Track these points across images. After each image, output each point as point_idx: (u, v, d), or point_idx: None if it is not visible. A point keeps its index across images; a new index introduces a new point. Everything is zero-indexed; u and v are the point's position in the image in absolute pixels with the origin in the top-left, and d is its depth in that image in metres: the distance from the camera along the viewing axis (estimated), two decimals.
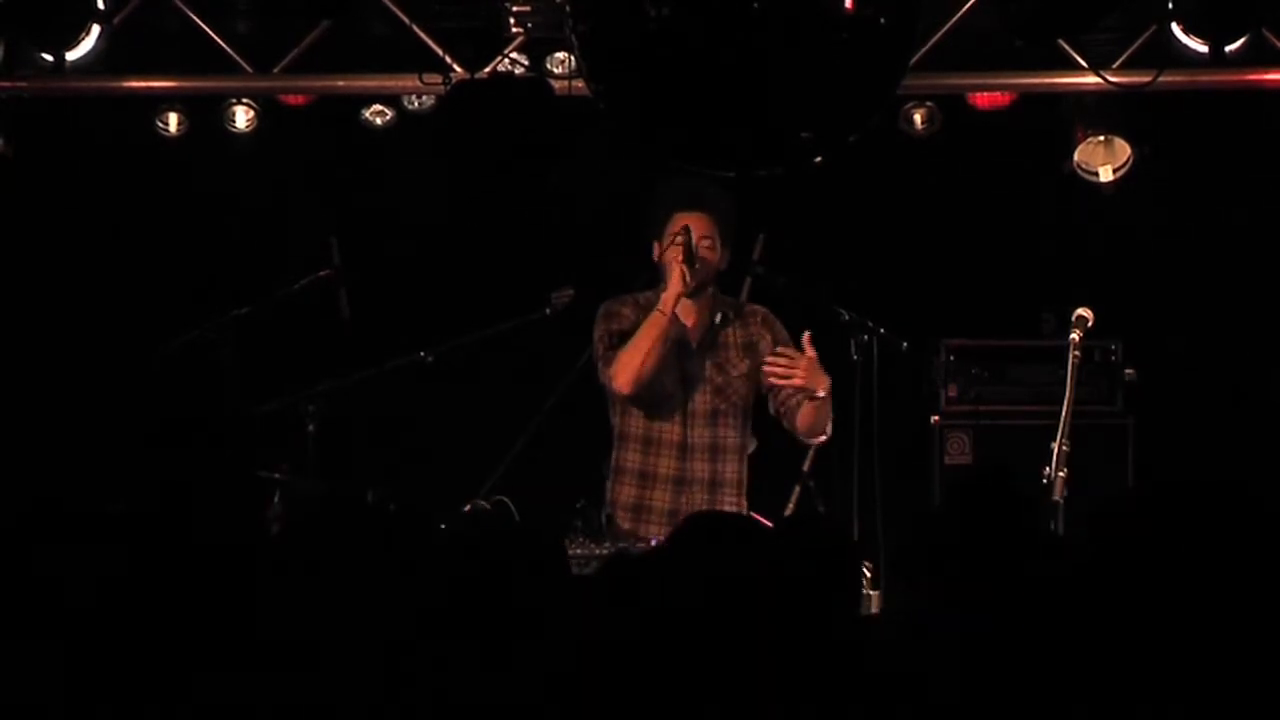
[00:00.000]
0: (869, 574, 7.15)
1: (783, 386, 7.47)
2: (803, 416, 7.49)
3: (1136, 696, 3.65)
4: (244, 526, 4.20)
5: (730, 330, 7.64)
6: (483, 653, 3.62)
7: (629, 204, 7.85)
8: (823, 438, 7.56)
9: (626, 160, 7.75)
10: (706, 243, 7.47)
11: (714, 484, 7.56)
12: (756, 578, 3.65)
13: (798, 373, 7.41)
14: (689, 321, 7.59)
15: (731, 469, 7.58)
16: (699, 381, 7.58)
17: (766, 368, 7.47)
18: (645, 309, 7.54)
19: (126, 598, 3.73)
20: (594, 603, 3.63)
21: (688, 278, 7.43)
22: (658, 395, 7.54)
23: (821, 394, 7.42)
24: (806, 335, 7.48)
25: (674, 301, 7.45)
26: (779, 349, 7.51)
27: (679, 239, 7.42)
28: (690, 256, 7.41)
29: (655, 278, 7.62)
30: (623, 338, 7.50)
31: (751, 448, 7.71)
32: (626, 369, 7.44)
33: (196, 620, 3.74)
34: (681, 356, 7.58)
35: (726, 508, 7.44)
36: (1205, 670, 3.64)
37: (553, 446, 7.79)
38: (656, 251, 7.54)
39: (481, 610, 3.69)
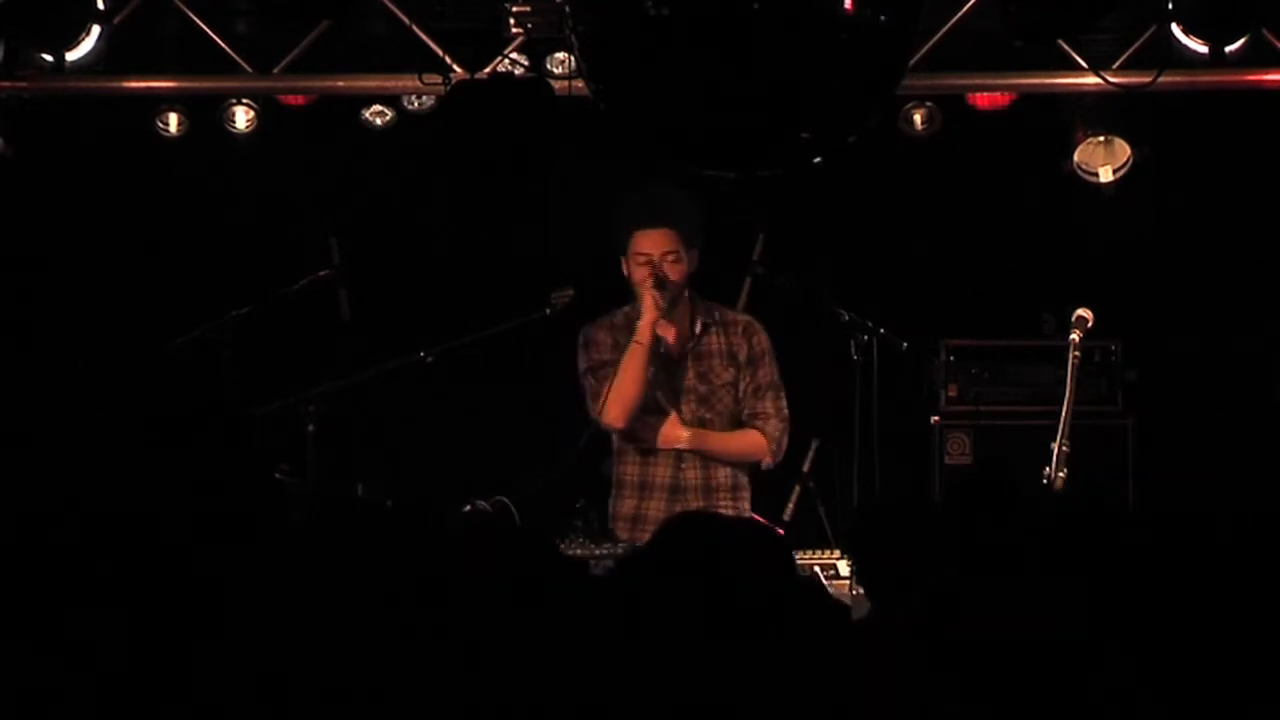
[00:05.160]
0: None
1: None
2: None
3: (1138, 695, 3.66)
4: (262, 527, 4.19)
5: (712, 338, 7.63)
6: (481, 649, 3.62)
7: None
8: (765, 460, 7.60)
9: (626, 160, 7.74)
10: (671, 257, 7.48)
11: (708, 489, 7.58)
12: (725, 576, 3.66)
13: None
14: (669, 335, 7.58)
15: (724, 474, 7.59)
16: (684, 392, 7.59)
17: None
18: (620, 329, 7.56)
19: (127, 597, 3.73)
20: (602, 602, 3.63)
21: (660, 302, 7.44)
22: (650, 407, 7.55)
23: (683, 446, 7.54)
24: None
25: (650, 329, 7.46)
26: None
27: (641, 260, 7.44)
28: (659, 282, 7.43)
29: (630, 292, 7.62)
30: (604, 366, 7.51)
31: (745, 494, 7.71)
32: (614, 405, 7.47)
33: (199, 618, 3.74)
34: (667, 368, 7.58)
35: (723, 511, 7.45)
36: (1207, 668, 3.64)
37: (552, 447, 7.79)
38: (625, 268, 7.56)
39: (485, 608, 3.70)
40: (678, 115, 6.48)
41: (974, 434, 8.83)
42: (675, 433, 7.55)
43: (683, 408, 7.58)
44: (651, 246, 7.47)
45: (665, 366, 7.57)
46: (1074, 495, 7.38)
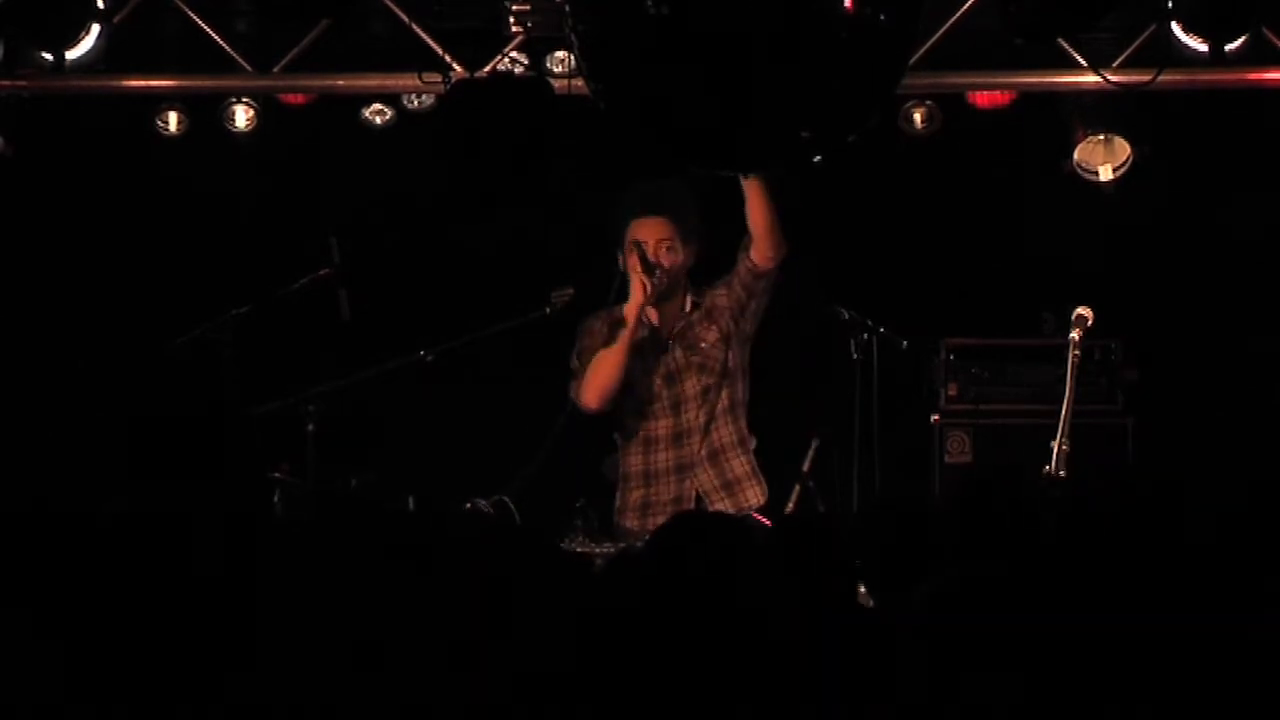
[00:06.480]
0: None
1: None
2: (750, 215, 7.40)
3: (1135, 695, 3.66)
4: (251, 525, 4.20)
5: (695, 314, 7.63)
6: (480, 649, 3.62)
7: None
8: (776, 238, 7.45)
9: (625, 161, 7.74)
10: (666, 244, 7.49)
11: (714, 454, 7.55)
12: (735, 576, 3.66)
13: None
14: (659, 322, 7.59)
15: (727, 431, 7.56)
16: (681, 370, 7.59)
17: None
18: (617, 321, 7.55)
19: (126, 597, 3.73)
20: (593, 598, 3.63)
21: (648, 288, 7.45)
22: (646, 396, 7.56)
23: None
24: None
25: (637, 313, 7.48)
26: None
27: (635, 247, 7.45)
28: (649, 267, 7.44)
29: (626, 287, 7.62)
30: (591, 352, 7.52)
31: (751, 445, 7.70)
32: (590, 387, 7.50)
33: (197, 620, 3.74)
34: (659, 354, 7.58)
35: (734, 468, 7.52)
36: (1201, 667, 3.64)
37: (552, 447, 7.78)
38: (621, 261, 7.57)
39: (482, 608, 3.70)
40: (678, 115, 6.48)
41: (974, 433, 8.83)
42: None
43: (685, 385, 7.56)
44: (646, 234, 7.48)
45: (656, 353, 7.57)
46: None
